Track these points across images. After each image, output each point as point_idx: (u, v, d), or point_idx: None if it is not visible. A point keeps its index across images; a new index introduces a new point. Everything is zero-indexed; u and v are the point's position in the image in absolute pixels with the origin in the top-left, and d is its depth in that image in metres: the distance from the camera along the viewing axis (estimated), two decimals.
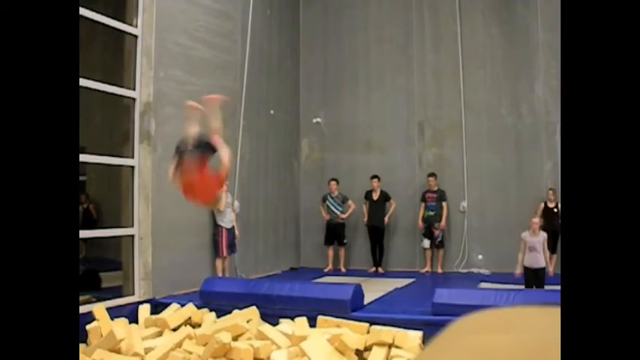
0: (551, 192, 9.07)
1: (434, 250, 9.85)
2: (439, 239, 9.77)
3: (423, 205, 9.86)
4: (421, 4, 10.44)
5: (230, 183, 8.60)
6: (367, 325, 5.38)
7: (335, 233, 10.05)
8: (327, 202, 10.07)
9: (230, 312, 5.95)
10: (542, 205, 9.11)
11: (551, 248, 8.82)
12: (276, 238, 10.03)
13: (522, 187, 9.66)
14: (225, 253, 8.17)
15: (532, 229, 7.27)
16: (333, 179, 10.08)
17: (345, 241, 10.11)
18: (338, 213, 10.00)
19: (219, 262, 8.16)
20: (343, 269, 9.99)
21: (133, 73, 7.07)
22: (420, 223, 9.87)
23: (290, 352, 5.00)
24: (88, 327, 5.46)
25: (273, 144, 9.98)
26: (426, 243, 9.82)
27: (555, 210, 9.00)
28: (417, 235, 10.15)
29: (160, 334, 5.74)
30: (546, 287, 6.91)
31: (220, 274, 8.08)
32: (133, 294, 6.89)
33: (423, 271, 9.79)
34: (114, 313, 6.01)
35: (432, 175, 9.85)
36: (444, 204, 9.78)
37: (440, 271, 9.73)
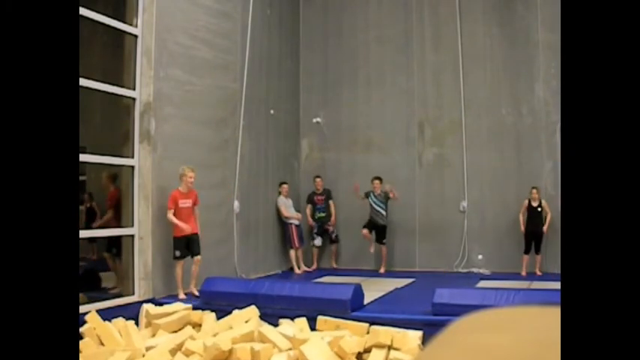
0: (534, 190, 9.08)
1: (327, 246, 10.38)
2: (334, 234, 10.33)
3: (309, 206, 10.33)
4: (421, 4, 10.44)
5: (230, 183, 8.62)
6: (367, 325, 5.37)
7: (377, 233, 9.94)
8: (370, 200, 9.90)
9: (230, 312, 5.95)
10: (526, 202, 9.14)
11: (536, 249, 9.10)
12: (276, 238, 10.03)
13: (522, 187, 9.65)
14: (297, 244, 9.76)
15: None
16: (377, 177, 9.87)
17: (384, 240, 9.97)
18: (383, 213, 9.84)
19: (292, 253, 9.76)
20: (382, 270, 9.86)
21: (133, 73, 7.07)
22: (311, 222, 10.31)
23: (290, 356, 4.99)
24: (82, 329, 5.36)
25: (273, 144, 9.98)
26: (318, 241, 10.29)
27: (539, 209, 9.04)
28: (416, 235, 10.18)
29: (160, 334, 5.73)
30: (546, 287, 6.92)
31: (295, 263, 9.70)
32: (133, 294, 6.89)
33: (311, 269, 10.08)
34: (114, 313, 6.01)
35: (319, 176, 10.27)
36: (331, 202, 10.29)
37: (335, 266, 10.21)
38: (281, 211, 9.89)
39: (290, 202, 10.05)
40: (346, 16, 10.88)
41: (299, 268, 9.82)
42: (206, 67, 8.16)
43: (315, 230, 10.27)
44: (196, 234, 7.25)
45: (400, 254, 10.22)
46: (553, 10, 9.11)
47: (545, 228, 8.93)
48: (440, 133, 10.30)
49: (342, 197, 10.51)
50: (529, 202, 9.09)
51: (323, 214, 10.23)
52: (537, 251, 9.02)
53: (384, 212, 9.84)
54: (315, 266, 10.20)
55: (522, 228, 9.08)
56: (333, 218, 10.27)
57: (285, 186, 9.91)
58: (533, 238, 8.96)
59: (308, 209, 10.33)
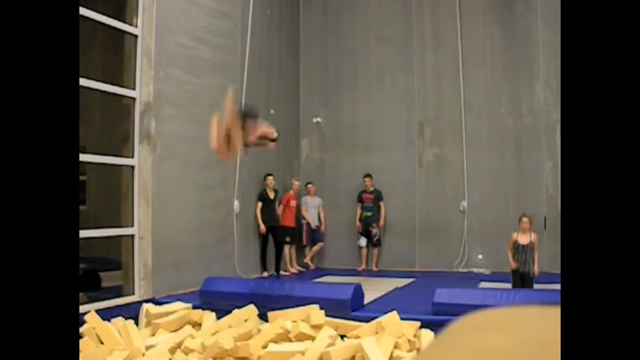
0: (525, 220, 7.09)
1: (370, 248, 10.19)
2: (376, 238, 10.13)
3: (359, 205, 10.20)
4: (421, 4, 10.44)
5: (230, 183, 8.61)
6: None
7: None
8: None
9: (230, 312, 5.95)
10: (514, 236, 7.17)
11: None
12: None
13: (522, 187, 9.66)
14: (304, 242, 10.23)
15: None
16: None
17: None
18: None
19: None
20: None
21: (133, 73, 7.07)
22: (358, 223, 10.23)
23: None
24: (81, 329, 5.36)
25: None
26: (363, 241, 10.19)
27: (528, 247, 7.02)
28: (416, 235, 10.19)
29: (159, 333, 5.74)
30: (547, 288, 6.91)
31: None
32: (133, 294, 6.89)
33: (360, 269, 10.10)
34: (114, 313, 6.01)
35: (368, 175, 10.15)
36: (381, 204, 10.13)
37: (374, 269, 10.04)
38: (301, 210, 10.16)
39: (316, 201, 10.28)
40: (346, 16, 10.88)
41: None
42: (206, 67, 8.16)
43: (360, 230, 10.22)
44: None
45: (400, 254, 10.23)
46: (553, 10, 9.12)
47: (535, 269, 6.99)
48: (440, 134, 10.30)
49: (342, 197, 10.51)
50: (517, 236, 7.12)
51: (369, 214, 10.15)
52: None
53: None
54: (363, 266, 10.16)
55: (512, 265, 7.06)
56: (382, 221, 10.14)
57: (310, 186, 10.27)
58: (521, 279, 7.04)
59: (358, 208, 10.30)
